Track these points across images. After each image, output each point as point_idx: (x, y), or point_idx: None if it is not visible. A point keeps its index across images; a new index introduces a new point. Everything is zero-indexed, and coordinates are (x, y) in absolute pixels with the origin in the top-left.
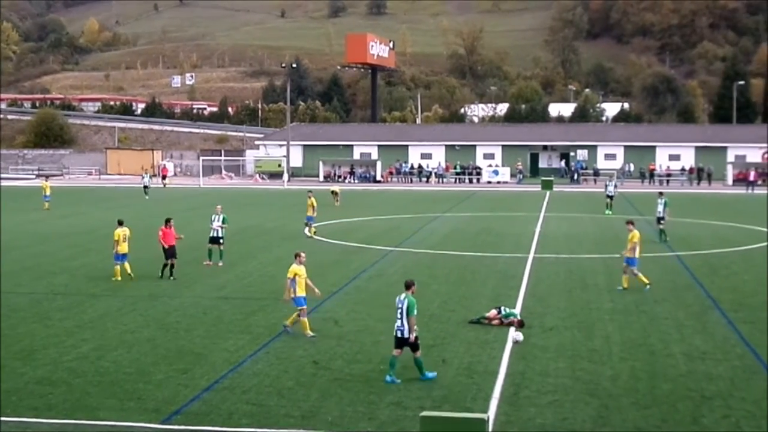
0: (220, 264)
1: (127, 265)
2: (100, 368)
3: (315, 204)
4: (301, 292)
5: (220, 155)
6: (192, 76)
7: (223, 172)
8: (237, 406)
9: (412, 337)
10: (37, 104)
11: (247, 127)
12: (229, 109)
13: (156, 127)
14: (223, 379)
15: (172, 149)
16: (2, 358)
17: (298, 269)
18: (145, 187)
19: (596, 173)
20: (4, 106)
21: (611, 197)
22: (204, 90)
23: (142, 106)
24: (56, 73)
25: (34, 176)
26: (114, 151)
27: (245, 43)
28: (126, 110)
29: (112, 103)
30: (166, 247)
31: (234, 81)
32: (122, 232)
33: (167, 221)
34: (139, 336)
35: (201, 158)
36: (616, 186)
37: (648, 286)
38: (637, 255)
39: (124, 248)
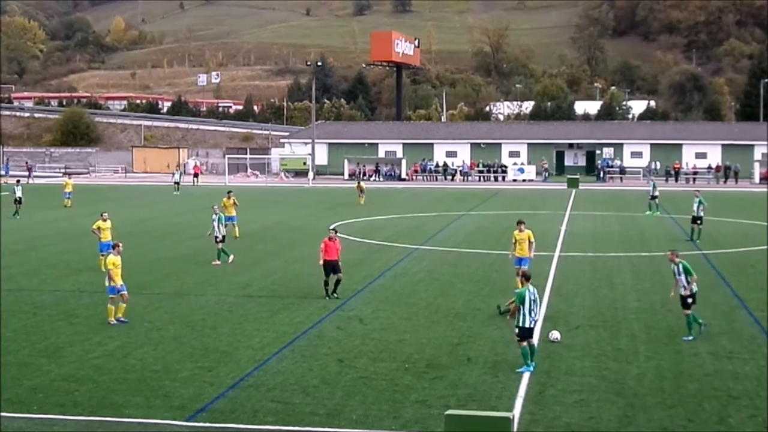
0: (230, 260)
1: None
2: (126, 366)
3: (230, 204)
4: (116, 282)
5: (246, 153)
6: (218, 75)
7: (249, 170)
8: (262, 404)
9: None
10: (64, 102)
11: (272, 125)
12: (255, 108)
13: (182, 125)
14: (248, 377)
15: (198, 147)
16: (28, 356)
17: (115, 259)
18: (176, 183)
19: (622, 171)
20: (31, 104)
21: (654, 197)
22: (229, 88)
23: (168, 104)
24: (83, 72)
25: (61, 174)
26: (140, 149)
27: (270, 42)
28: (152, 109)
29: (138, 101)
30: (327, 260)
31: (259, 79)
32: (100, 224)
33: (330, 231)
34: (164, 334)
35: (226, 156)
36: (655, 186)
37: None
38: (532, 255)
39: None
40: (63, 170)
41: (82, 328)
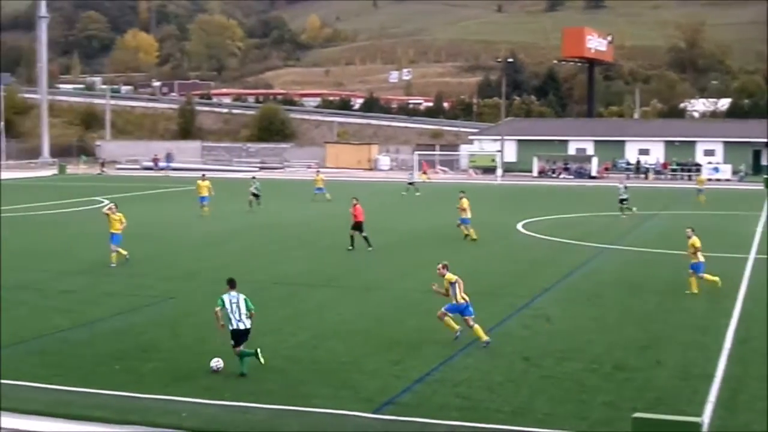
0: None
1: None
2: (315, 357)
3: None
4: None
5: (435, 150)
6: (409, 71)
7: (438, 166)
8: (447, 399)
9: None
10: (261, 99)
11: (461, 121)
12: (445, 104)
13: (373, 121)
14: (434, 372)
15: (389, 144)
16: (222, 345)
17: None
18: (411, 183)
19: None
20: (229, 100)
21: None
22: (420, 85)
23: (360, 101)
24: (279, 69)
25: (257, 169)
26: (333, 145)
27: (461, 38)
28: (345, 105)
29: (331, 98)
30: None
31: (450, 76)
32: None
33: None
34: (353, 327)
35: (416, 153)
36: None
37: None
38: (701, 260)
39: None
40: (260, 165)
41: (274, 318)
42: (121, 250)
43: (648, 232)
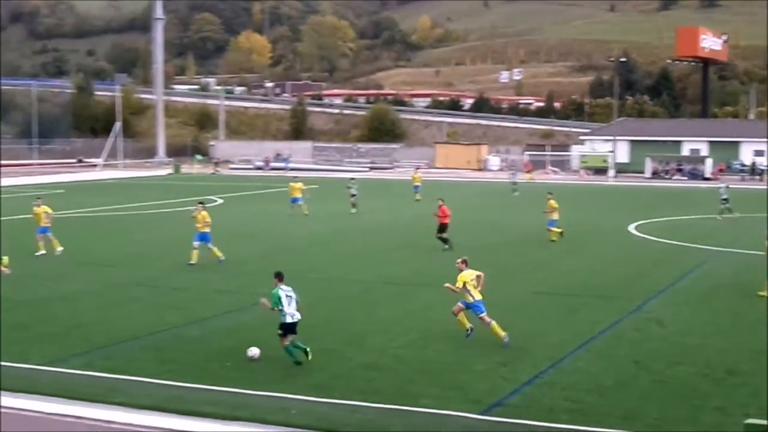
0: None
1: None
2: (424, 357)
3: (556, 205)
4: None
5: (546, 150)
6: (519, 71)
7: (548, 166)
8: (556, 402)
9: None
10: (371, 99)
11: (573, 121)
12: (556, 104)
13: (483, 122)
14: (543, 374)
15: (499, 144)
16: (332, 343)
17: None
18: (514, 183)
19: None
20: (340, 101)
21: None
22: (531, 85)
23: (470, 101)
24: (389, 70)
25: (367, 169)
26: (442, 145)
27: (573, 38)
28: (455, 106)
29: (441, 98)
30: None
31: (561, 76)
32: (42, 210)
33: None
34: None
35: (525, 153)
36: None
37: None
38: None
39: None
40: (370, 165)
41: (383, 318)
42: (196, 251)
43: (763, 235)
